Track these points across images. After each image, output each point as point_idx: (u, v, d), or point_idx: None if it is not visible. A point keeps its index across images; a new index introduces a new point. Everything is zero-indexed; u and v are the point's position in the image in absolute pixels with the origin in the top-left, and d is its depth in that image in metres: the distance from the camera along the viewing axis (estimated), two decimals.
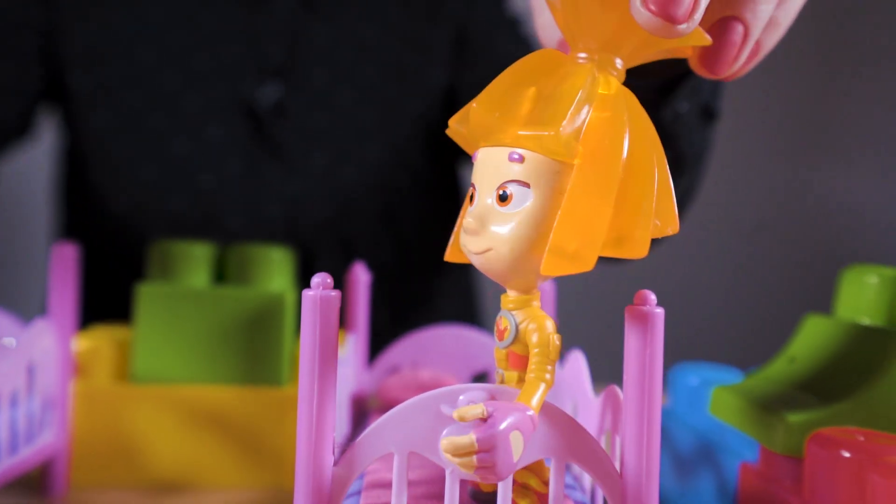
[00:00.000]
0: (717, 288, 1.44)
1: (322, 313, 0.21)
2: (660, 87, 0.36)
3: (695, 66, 0.26)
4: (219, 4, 0.65)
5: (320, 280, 0.21)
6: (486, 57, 0.67)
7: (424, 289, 0.73)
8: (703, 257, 1.36)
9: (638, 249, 0.21)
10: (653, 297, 0.22)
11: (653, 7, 0.21)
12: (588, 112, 0.21)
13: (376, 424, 0.21)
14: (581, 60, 0.22)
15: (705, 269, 1.41)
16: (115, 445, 0.41)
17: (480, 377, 0.41)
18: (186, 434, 0.41)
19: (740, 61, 0.25)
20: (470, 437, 0.20)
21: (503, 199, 0.22)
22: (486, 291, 0.82)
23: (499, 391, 0.21)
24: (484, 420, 0.20)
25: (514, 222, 0.21)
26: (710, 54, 0.25)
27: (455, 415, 0.20)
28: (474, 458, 0.20)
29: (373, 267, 0.40)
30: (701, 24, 0.24)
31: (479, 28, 0.68)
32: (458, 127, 0.23)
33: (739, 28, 0.25)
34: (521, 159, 0.21)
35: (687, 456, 0.35)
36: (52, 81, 0.65)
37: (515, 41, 0.68)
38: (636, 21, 0.21)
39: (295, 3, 0.65)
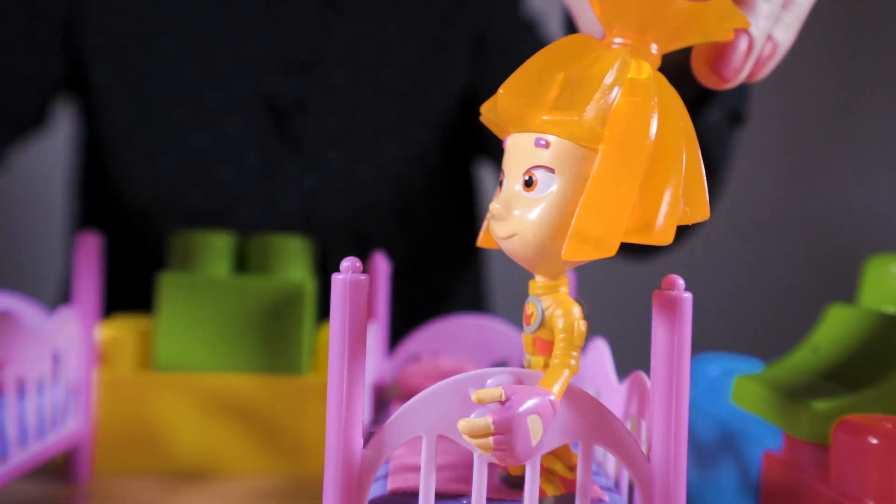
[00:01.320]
0: (736, 279, 1.44)
1: (352, 297, 0.21)
2: (693, 97, 0.36)
3: (700, 74, 0.27)
4: (242, 0, 0.65)
5: (350, 264, 0.21)
6: (504, 59, 0.68)
7: (437, 287, 0.73)
8: (722, 248, 1.35)
9: (663, 236, 0.21)
10: (681, 281, 0.22)
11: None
12: (616, 96, 0.21)
13: (405, 408, 0.22)
14: (615, 46, 0.22)
15: (724, 259, 1.41)
16: (138, 433, 0.41)
17: (500, 366, 0.41)
18: (208, 422, 0.41)
19: (746, 69, 0.27)
20: (486, 420, 0.20)
21: (528, 184, 0.22)
22: (498, 290, 0.82)
23: (525, 375, 0.22)
24: (502, 403, 0.20)
25: (538, 207, 0.21)
26: (717, 62, 0.26)
27: (473, 397, 0.20)
28: (491, 439, 0.20)
29: None
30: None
31: (498, 31, 0.69)
32: (489, 114, 0.23)
33: (744, 38, 0.26)
34: (547, 145, 0.21)
35: (708, 445, 0.35)
36: (73, 72, 0.66)
37: (533, 44, 0.68)
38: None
39: (318, 2, 0.66)
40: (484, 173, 0.79)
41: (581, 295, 0.34)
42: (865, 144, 1.47)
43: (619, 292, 1.17)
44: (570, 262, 0.22)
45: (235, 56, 0.64)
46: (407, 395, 0.39)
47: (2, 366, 0.32)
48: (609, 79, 0.21)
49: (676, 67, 0.25)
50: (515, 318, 0.44)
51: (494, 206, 0.22)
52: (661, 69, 0.23)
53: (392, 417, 0.22)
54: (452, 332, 0.41)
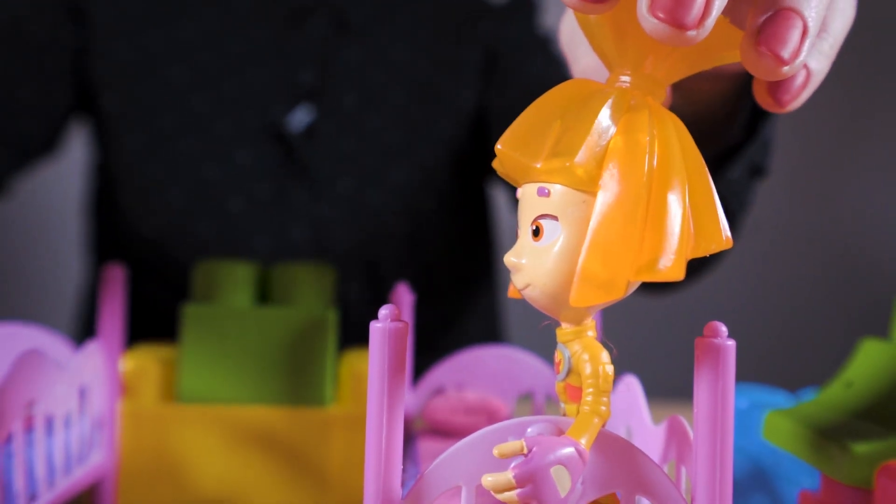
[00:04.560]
0: (762, 306, 1.41)
1: (391, 345, 0.21)
2: (714, 156, 0.36)
3: (760, 98, 0.25)
4: (251, 28, 0.65)
5: (388, 312, 0.21)
6: (516, 78, 0.66)
7: (450, 311, 0.72)
8: (741, 274, 1.33)
9: (673, 272, 0.21)
10: (724, 328, 0.21)
11: (660, 14, 0.20)
12: (610, 136, 0.21)
13: (443, 457, 0.21)
14: (619, 84, 0.22)
15: (749, 285, 1.38)
16: (161, 465, 0.41)
17: (526, 398, 0.41)
18: (232, 454, 0.41)
19: (801, 56, 0.22)
20: (507, 474, 0.20)
21: (535, 233, 0.22)
22: (511, 313, 0.81)
23: (566, 423, 0.21)
24: (525, 455, 0.20)
25: (547, 256, 0.21)
26: (776, 88, 0.24)
27: (495, 451, 0.20)
28: (515, 493, 0.20)
29: None
30: (747, 27, 0.23)
31: (510, 49, 0.67)
32: (501, 168, 0.23)
33: (797, 20, 0.22)
34: (548, 193, 0.22)
35: (740, 482, 0.35)
36: (83, 100, 0.66)
37: (546, 61, 0.67)
38: (643, 28, 0.21)
39: (327, 26, 0.65)
40: (498, 194, 0.79)
41: (608, 330, 0.34)
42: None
43: (646, 325, 1.16)
44: (591, 307, 0.22)
45: (244, 85, 0.64)
46: (433, 428, 0.38)
47: (31, 403, 0.32)
48: (603, 118, 0.21)
49: (695, 129, 0.24)
50: (530, 341, 0.43)
51: (508, 259, 0.23)
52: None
53: (431, 467, 0.21)
54: (476, 363, 0.41)
